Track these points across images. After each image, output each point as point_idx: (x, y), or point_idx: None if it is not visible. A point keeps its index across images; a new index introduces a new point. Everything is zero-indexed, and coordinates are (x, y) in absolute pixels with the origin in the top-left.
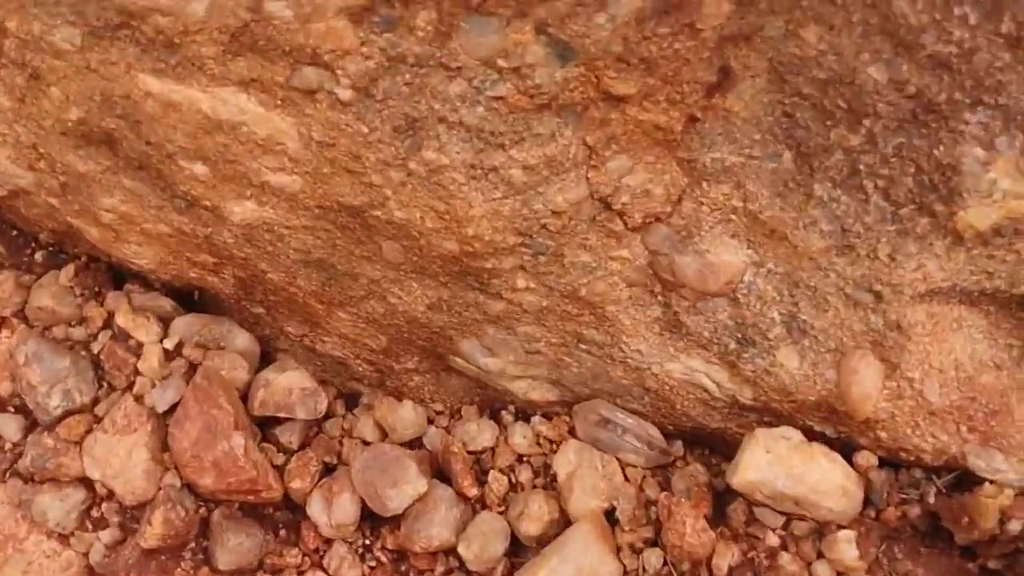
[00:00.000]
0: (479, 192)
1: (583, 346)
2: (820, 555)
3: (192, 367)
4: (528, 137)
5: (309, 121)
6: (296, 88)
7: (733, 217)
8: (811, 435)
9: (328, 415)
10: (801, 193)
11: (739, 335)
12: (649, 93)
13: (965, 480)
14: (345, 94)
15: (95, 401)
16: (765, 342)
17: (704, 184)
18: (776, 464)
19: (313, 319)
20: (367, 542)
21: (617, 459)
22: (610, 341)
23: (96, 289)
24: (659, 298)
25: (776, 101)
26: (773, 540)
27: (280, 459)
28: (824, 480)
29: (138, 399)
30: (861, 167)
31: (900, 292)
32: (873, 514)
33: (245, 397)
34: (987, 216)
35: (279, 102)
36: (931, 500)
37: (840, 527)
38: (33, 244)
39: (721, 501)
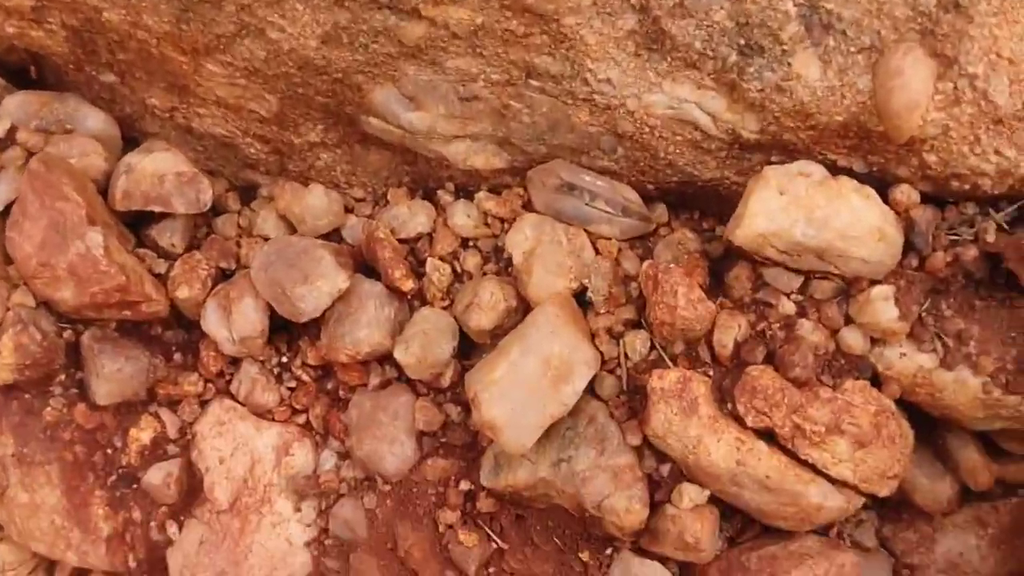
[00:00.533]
0: None
1: (534, 82)
2: (849, 320)
3: (32, 156)
4: None
5: None
6: None
7: None
8: (835, 172)
9: (219, 211)
10: None
11: (742, 41)
12: None
13: None
14: None
15: None
16: (777, 47)
17: None
18: (794, 207)
19: (180, 82)
20: (283, 359)
21: (586, 231)
22: (570, 71)
23: None
24: (632, 1)
25: None
26: (788, 307)
27: (162, 266)
28: (856, 222)
29: None
30: None
31: None
32: (915, 263)
33: (106, 192)
34: None
35: None
36: (990, 238)
37: (874, 283)
38: None
39: (718, 269)
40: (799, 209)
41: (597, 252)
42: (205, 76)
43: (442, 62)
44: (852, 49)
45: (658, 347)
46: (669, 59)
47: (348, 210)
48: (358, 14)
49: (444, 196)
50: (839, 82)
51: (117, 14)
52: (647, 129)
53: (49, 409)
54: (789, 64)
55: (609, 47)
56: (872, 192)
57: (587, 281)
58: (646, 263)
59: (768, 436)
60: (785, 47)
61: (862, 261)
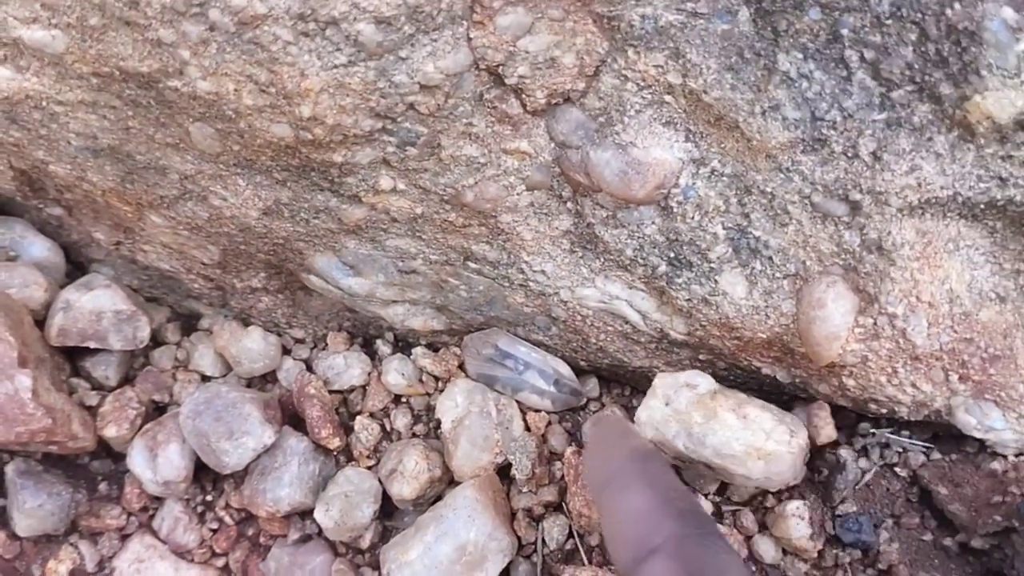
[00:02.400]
0: (314, 55)
1: (473, 265)
2: (764, 527)
3: None
4: None
5: None
6: None
7: (668, 98)
8: (760, 378)
9: (158, 342)
10: (760, 67)
11: (671, 254)
12: None
13: (942, 439)
14: None
15: None
16: (705, 264)
17: (630, 52)
18: (674, 421)
19: (124, 224)
20: (208, 498)
21: (517, 402)
22: (507, 260)
23: None
24: (568, 205)
25: None
26: (705, 507)
27: (94, 398)
28: (731, 442)
29: None
30: (844, 31)
31: (885, 203)
32: (837, 485)
33: (43, 322)
34: (1011, 103)
35: None
36: (912, 462)
37: (793, 496)
38: None
39: None
40: (680, 423)
41: (527, 426)
42: (149, 224)
43: (382, 240)
44: (778, 275)
45: (576, 536)
46: (602, 259)
47: (286, 351)
48: (299, 194)
49: (382, 347)
50: (764, 303)
51: (63, 168)
52: (579, 317)
53: None
54: (716, 281)
55: (544, 243)
56: (755, 411)
57: (513, 456)
58: (569, 449)
59: None
60: (712, 265)
61: (744, 477)
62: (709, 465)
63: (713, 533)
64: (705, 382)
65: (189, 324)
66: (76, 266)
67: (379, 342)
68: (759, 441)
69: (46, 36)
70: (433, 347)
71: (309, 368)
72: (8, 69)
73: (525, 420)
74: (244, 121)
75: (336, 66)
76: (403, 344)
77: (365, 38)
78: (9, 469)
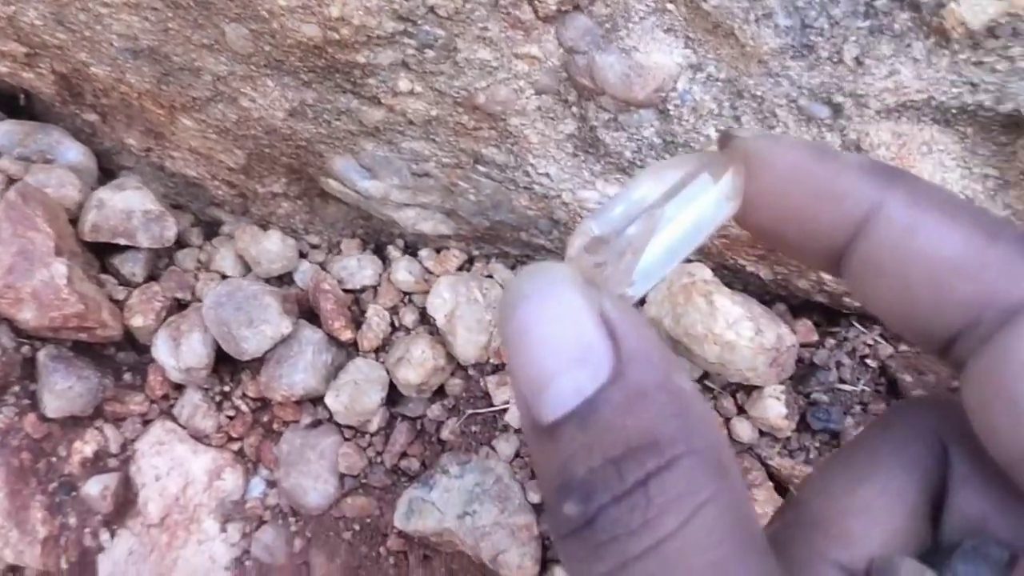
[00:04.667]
0: None
1: (481, 167)
2: (741, 410)
3: (12, 183)
4: None
5: None
6: None
7: (670, 6)
8: (741, 275)
9: (182, 244)
10: None
11: (667, 156)
12: None
13: None
14: None
15: None
16: None
17: None
18: (667, 302)
19: (156, 129)
20: (225, 388)
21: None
22: (514, 162)
23: None
24: (574, 109)
25: None
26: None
27: (121, 293)
28: (696, 324)
29: None
30: None
31: (864, 105)
32: (813, 374)
33: (77, 220)
34: (983, 10)
35: None
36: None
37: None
38: None
39: None
40: (669, 304)
41: None
42: (180, 128)
43: (398, 143)
44: None
45: None
46: (603, 163)
47: (303, 255)
48: (324, 95)
49: (393, 251)
50: None
51: (103, 70)
52: (579, 219)
53: (1, 417)
54: None
55: (549, 146)
56: (722, 299)
57: None
58: None
59: None
60: None
61: (703, 360)
62: (679, 342)
63: None
64: (703, 273)
65: (211, 230)
66: (106, 173)
67: (390, 248)
68: (719, 328)
69: None
70: (438, 251)
71: (324, 270)
72: None
73: None
74: (277, 21)
75: None
76: (412, 251)
77: None
78: (41, 355)
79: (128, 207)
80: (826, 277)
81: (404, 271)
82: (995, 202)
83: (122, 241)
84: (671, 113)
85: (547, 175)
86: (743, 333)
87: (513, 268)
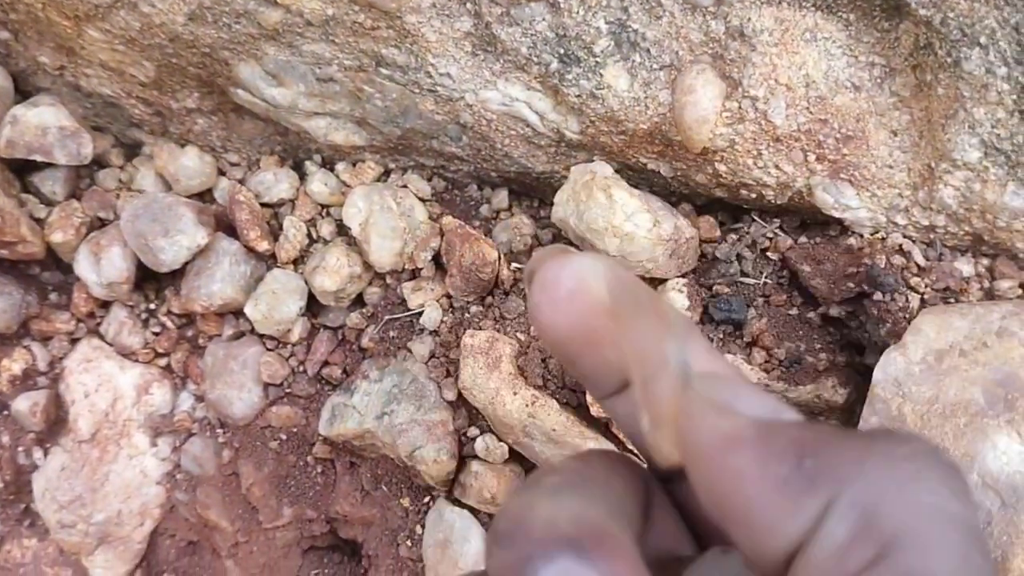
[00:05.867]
0: None
1: (384, 71)
2: None
3: None
4: None
5: None
6: None
7: None
8: (645, 174)
9: (103, 165)
10: None
11: (561, 51)
12: None
13: (809, 227)
14: None
15: None
16: (591, 59)
17: None
18: (572, 201)
19: (66, 44)
20: (151, 306)
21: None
22: (415, 63)
23: None
24: (468, 6)
25: None
26: None
27: (43, 212)
28: (597, 218)
29: None
30: None
31: None
32: (714, 268)
33: None
34: None
35: None
36: (780, 245)
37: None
38: None
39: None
40: (575, 203)
41: (430, 215)
42: (88, 41)
43: (299, 45)
44: (655, 66)
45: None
46: (501, 61)
47: (221, 173)
48: None
49: (311, 166)
50: (644, 94)
51: None
52: (484, 122)
53: None
54: (601, 75)
55: (448, 45)
56: (624, 195)
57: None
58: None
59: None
60: (598, 59)
61: (607, 254)
62: (583, 238)
63: None
64: (604, 170)
65: (132, 152)
66: (24, 95)
67: (308, 163)
68: (617, 220)
69: None
70: (355, 165)
71: (242, 185)
72: None
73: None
74: None
75: None
76: (330, 166)
77: None
78: None
79: (43, 123)
80: (721, 169)
81: (320, 183)
82: (882, 89)
83: (39, 158)
84: (561, 6)
85: (448, 75)
86: (641, 224)
87: (429, 180)
